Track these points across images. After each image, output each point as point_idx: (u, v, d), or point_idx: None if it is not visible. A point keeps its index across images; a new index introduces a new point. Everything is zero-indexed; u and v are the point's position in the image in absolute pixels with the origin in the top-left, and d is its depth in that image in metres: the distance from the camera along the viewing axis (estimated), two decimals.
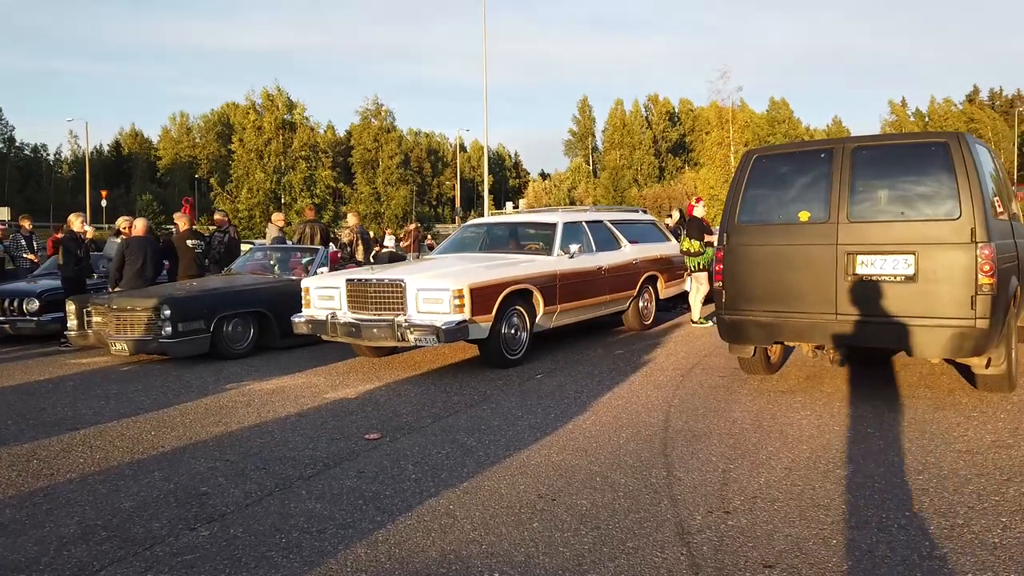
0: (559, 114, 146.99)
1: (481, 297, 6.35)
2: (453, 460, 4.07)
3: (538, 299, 7.06)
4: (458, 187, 65.40)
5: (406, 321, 6.29)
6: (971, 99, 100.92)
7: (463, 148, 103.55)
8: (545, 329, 7.37)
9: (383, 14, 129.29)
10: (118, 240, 9.60)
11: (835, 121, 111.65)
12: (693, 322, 9.37)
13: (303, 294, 7.16)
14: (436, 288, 6.32)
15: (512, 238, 8.28)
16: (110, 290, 8.79)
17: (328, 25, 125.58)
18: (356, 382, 6.32)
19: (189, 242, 9.17)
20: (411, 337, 6.25)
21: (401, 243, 19.85)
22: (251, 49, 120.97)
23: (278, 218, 12.04)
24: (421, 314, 6.36)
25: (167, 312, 7.22)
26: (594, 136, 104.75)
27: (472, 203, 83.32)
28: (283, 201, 34.79)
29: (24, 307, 9.08)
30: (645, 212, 10.31)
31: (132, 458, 4.28)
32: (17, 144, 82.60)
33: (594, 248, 8.13)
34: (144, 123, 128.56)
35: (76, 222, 8.85)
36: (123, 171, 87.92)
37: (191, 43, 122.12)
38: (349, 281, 6.76)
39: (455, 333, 6.14)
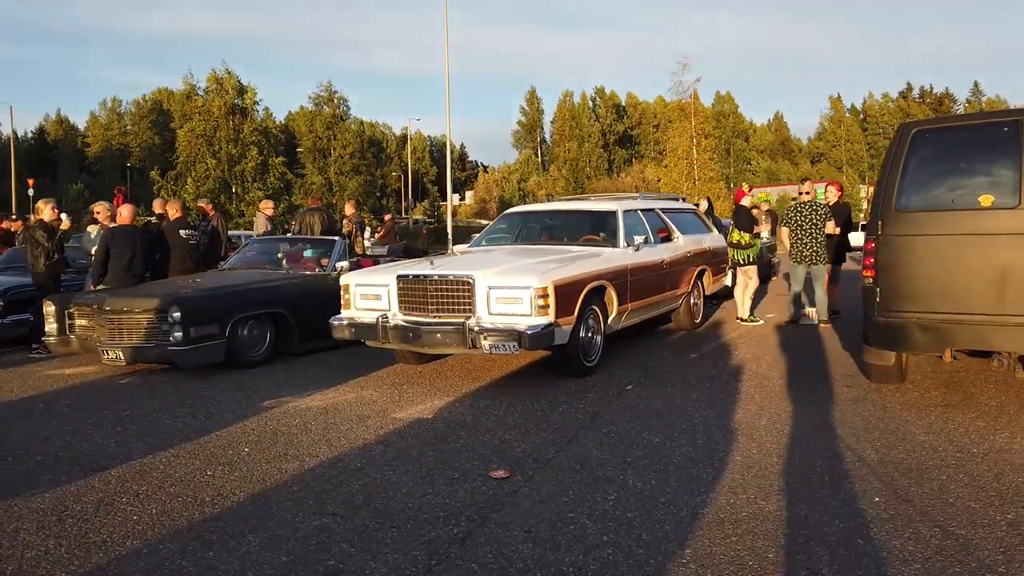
0: (503, 106, 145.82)
1: (564, 296, 5.50)
2: (634, 510, 3.22)
3: (611, 297, 6.26)
4: (410, 177, 63.88)
5: (478, 325, 5.39)
6: (904, 96, 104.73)
7: (407, 139, 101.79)
8: (612, 332, 6.56)
9: (324, 1, 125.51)
10: (91, 230, 8.33)
11: (776, 116, 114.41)
12: (741, 320, 8.73)
13: (343, 293, 6.15)
14: (514, 286, 5.42)
15: (565, 228, 7.43)
16: (92, 288, 7.54)
17: (261, 11, 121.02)
18: (419, 396, 5.39)
19: (182, 232, 7.97)
20: (485, 344, 5.35)
21: (376, 235, 18.73)
22: (178, 34, 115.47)
23: (266, 206, 10.86)
24: (493, 316, 5.46)
25: (177, 315, 6.10)
26: (542, 128, 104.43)
27: (418, 195, 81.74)
28: (234, 191, 32.85)
29: None
30: (684, 200, 9.61)
31: (201, 512, 3.28)
32: None
33: (652, 239, 7.37)
34: (69, 109, 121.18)
35: (47, 209, 7.56)
36: (47, 159, 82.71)
37: (117, 27, 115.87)
38: (402, 278, 5.79)
39: (540, 339, 5.27)
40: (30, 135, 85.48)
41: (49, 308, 6.85)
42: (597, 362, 6.09)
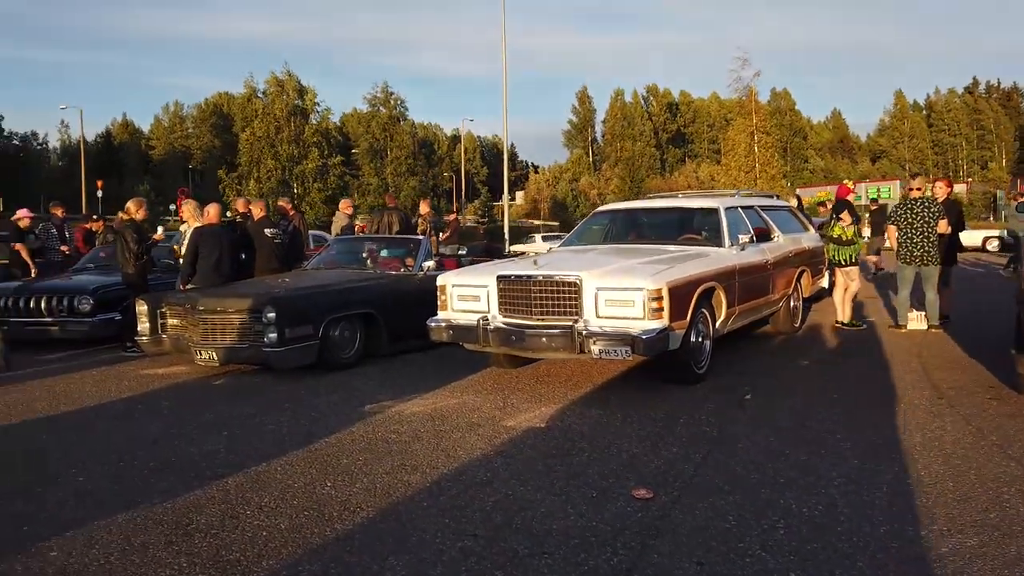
0: (553, 106, 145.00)
1: (677, 298, 5.16)
2: (811, 540, 2.88)
3: (720, 299, 5.89)
4: (463, 178, 64.06)
5: (586, 328, 5.09)
6: (970, 91, 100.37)
7: (458, 139, 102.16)
8: (716, 336, 6.18)
9: (372, 4, 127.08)
10: (183, 229, 8.32)
11: (834, 114, 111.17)
12: (841, 324, 8.22)
13: (439, 294, 5.94)
14: (625, 287, 5.11)
15: (662, 227, 7.07)
16: (181, 287, 7.52)
17: (310, 15, 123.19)
18: (524, 403, 5.12)
19: (268, 232, 7.89)
20: (594, 348, 5.05)
21: (440, 235, 18.64)
22: (231, 39, 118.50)
23: (346, 205, 10.78)
24: (602, 319, 5.16)
25: (271, 315, 5.98)
26: (594, 127, 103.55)
27: (469, 195, 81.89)
28: (295, 191, 33.32)
29: (76, 306, 7.80)
30: (778, 197, 9.14)
31: (332, 529, 3.07)
32: (5, 133, 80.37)
33: (754, 238, 6.96)
34: (134, 113, 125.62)
35: (135, 208, 7.56)
36: (114, 161, 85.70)
37: (180, 33, 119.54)
38: (503, 279, 5.54)
39: (655, 344, 4.94)
40: (97, 139, 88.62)
41: (141, 308, 6.83)
42: (706, 369, 5.73)
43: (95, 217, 12.35)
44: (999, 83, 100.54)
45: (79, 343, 8.00)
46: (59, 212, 11.13)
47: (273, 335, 5.99)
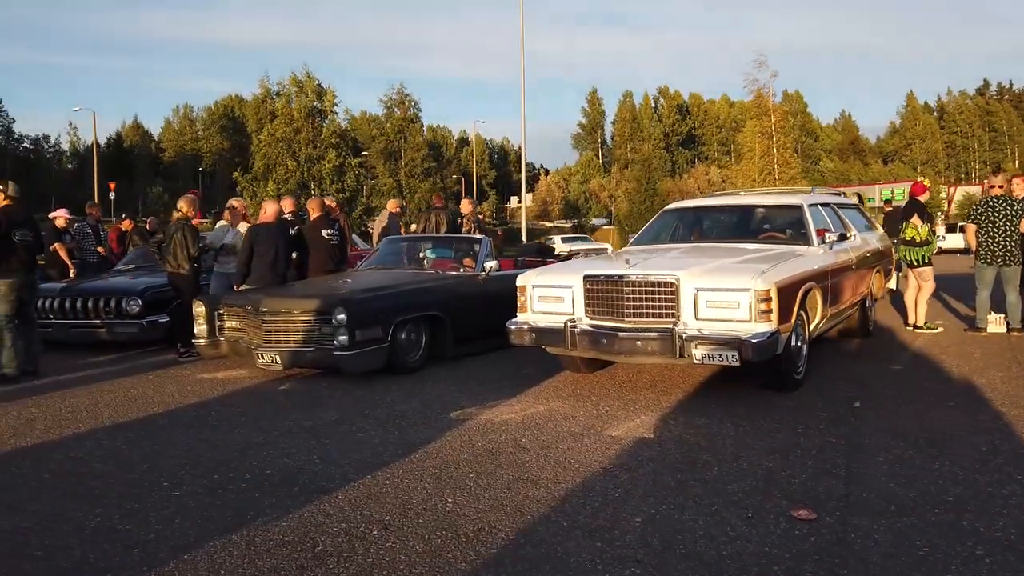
0: (560, 108, 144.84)
1: (784, 299, 4.86)
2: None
3: (816, 301, 5.59)
4: (474, 180, 63.85)
5: (686, 331, 4.80)
6: (981, 92, 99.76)
7: (466, 142, 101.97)
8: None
9: (380, 9, 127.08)
10: (219, 226, 8.05)
11: (843, 116, 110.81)
12: (915, 327, 7.91)
13: (519, 295, 5.65)
14: (730, 288, 4.81)
15: (741, 224, 6.78)
16: (236, 287, 7.26)
17: (318, 21, 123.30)
18: (619, 411, 4.83)
19: (324, 232, 7.62)
20: (696, 353, 4.76)
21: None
22: (241, 43, 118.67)
23: (393, 205, 10.51)
24: (701, 322, 4.86)
25: (342, 317, 5.70)
26: (603, 129, 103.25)
27: (478, 198, 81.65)
28: (313, 192, 33.11)
29: (124, 308, 7.55)
30: (844, 195, 8.83)
31: (475, 552, 2.78)
32: (16, 136, 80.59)
33: (844, 235, 6.66)
34: (144, 116, 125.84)
35: (187, 206, 7.29)
36: (125, 164, 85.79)
37: (187, 37, 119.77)
38: (591, 279, 5.24)
39: (765, 349, 4.64)
40: (108, 141, 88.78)
41: (199, 309, 6.57)
42: (803, 374, 5.43)
43: (123, 216, 12.13)
44: (1011, 85, 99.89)
45: (121, 346, 7.76)
46: (94, 212, 10.89)
47: (343, 338, 5.72)
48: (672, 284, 4.93)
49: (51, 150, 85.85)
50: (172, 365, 6.91)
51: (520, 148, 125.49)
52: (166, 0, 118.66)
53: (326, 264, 7.62)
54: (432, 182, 45.82)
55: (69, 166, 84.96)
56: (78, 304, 7.60)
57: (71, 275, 9.56)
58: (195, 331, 6.62)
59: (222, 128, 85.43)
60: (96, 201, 15.20)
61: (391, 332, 6.02)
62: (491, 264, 7.20)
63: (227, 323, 6.58)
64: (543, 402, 5.14)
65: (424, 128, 65.29)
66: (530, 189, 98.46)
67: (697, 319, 4.88)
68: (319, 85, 34.42)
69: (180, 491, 3.51)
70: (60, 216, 10.14)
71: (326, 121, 35.48)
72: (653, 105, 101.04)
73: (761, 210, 6.82)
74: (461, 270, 7.38)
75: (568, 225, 60.61)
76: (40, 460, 4.04)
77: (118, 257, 11.28)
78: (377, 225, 10.21)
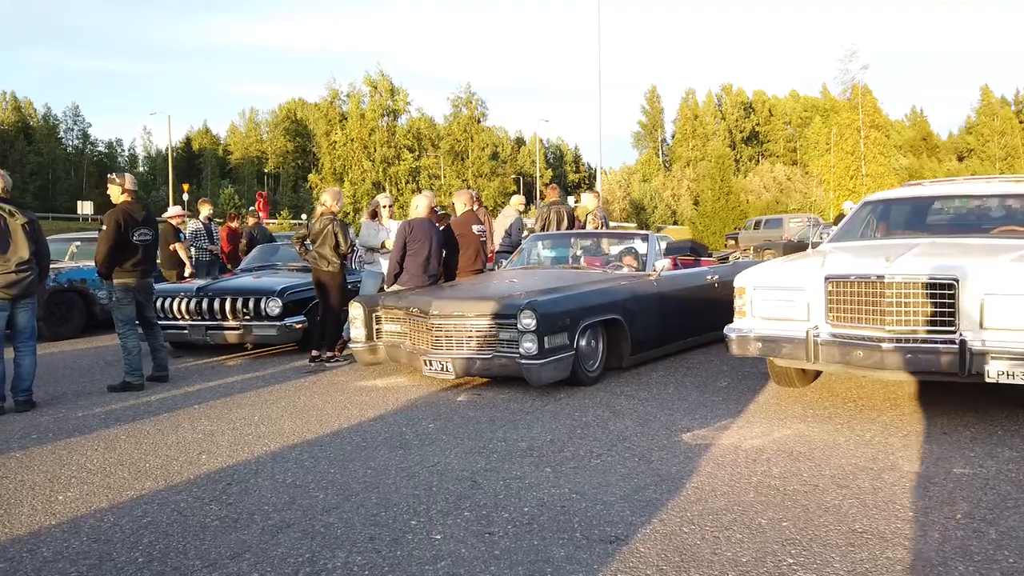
0: (617, 107, 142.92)
1: None
2: None
3: None
4: (538, 180, 63.27)
5: (983, 343, 3.99)
6: None
7: (522, 142, 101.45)
8: None
9: (432, 10, 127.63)
10: (366, 224, 7.54)
11: (914, 111, 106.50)
12: None
13: (736, 297, 4.93)
14: None
15: (973, 216, 5.89)
16: (386, 287, 6.74)
17: (368, 26, 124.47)
18: (894, 438, 4.05)
19: (475, 229, 7.03)
20: (993, 369, 3.95)
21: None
22: (303, 48, 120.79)
23: (518, 201, 9.91)
24: (990, 331, 4.04)
25: (530, 322, 5.06)
26: (663, 128, 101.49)
27: (531, 198, 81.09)
28: (387, 192, 33.09)
29: (262, 309, 7.10)
30: None
31: None
32: (92, 140, 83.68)
33: None
34: (211, 121, 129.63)
35: (332, 201, 6.79)
36: (193, 167, 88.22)
37: (251, 43, 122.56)
38: (838, 279, 4.47)
39: None
40: (179, 145, 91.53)
41: (357, 311, 6.04)
42: None
43: (247, 212, 11.86)
44: None
45: (234, 349, 7.36)
46: (207, 209, 10.60)
47: (530, 345, 5.08)
48: (951, 285, 4.13)
49: (128, 153, 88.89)
50: (320, 371, 6.42)
51: (575, 148, 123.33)
52: (230, 8, 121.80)
53: (475, 263, 7.03)
54: (500, 181, 45.39)
55: (141, 169, 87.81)
56: (215, 305, 7.19)
57: (188, 274, 9.28)
58: (351, 335, 6.10)
59: (286, 131, 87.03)
60: (170, 203, 15.07)
61: (576, 339, 5.37)
62: (663, 263, 6.49)
63: (385, 327, 6.05)
64: (783, 423, 4.40)
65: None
66: (585, 189, 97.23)
67: (983, 328, 4.06)
68: (392, 85, 34.29)
69: (439, 534, 2.90)
70: (177, 215, 9.86)
71: (400, 120, 35.36)
72: (717, 102, 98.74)
73: (1008, 201, 5.88)
74: (625, 269, 6.69)
75: (635, 225, 59.36)
76: (246, 488, 3.50)
77: (228, 256, 11.00)
78: (500, 224, 9.62)
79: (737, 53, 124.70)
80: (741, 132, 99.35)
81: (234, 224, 11.22)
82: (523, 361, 5.10)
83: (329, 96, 42.07)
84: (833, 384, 5.36)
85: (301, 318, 7.25)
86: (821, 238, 7.06)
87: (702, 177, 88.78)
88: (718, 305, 7.18)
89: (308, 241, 6.80)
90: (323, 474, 3.66)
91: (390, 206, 7.51)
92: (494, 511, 3.12)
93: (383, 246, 7.13)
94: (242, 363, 6.93)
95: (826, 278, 4.52)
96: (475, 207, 8.11)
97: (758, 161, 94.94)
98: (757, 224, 29.90)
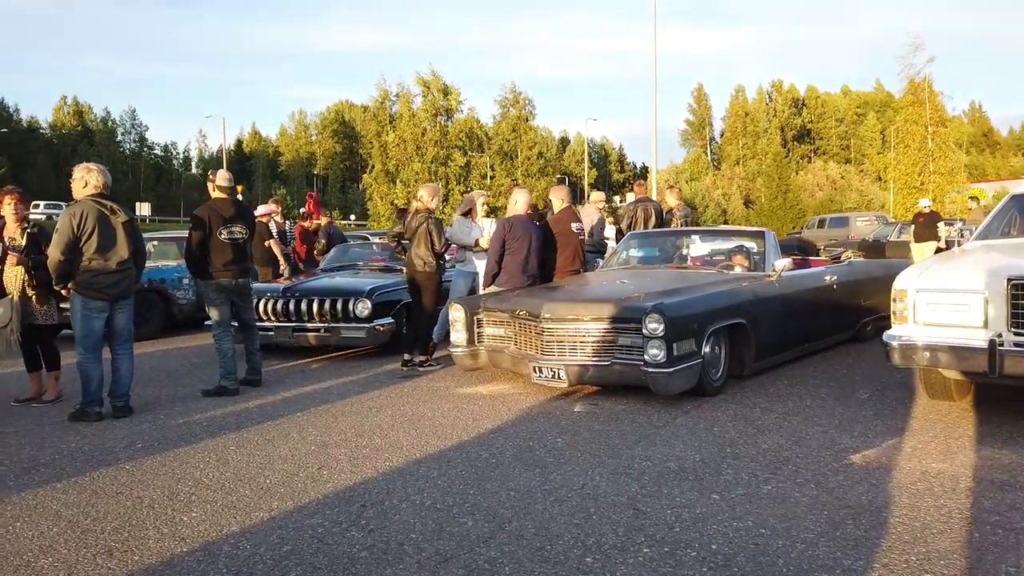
0: (661, 106, 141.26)
1: None
2: None
3: None
4: (586, 179, 62.72)
5: None
6: None
7: (567, 141, 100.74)
8: None
9: (473, 12, 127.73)
10: (456, 221, 7.19)
11: (973, 107, 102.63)
12: None
13: (895, 301, 4.41)
14: None
15: None
16: (483, 288, 6.40)
17: (411, 27, 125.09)
18: None
19: (573, 226, 6.63)
20: None
21: None
22: (350, 51, 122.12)
23: (598, 199, 9.50)
24: None
25: (657, 326, 4.64)
26: (711, 126, 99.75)
27: (577, 197, 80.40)
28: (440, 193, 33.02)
29: (351, 310, 6.82)
30: None
31: None
32: (148, 143, 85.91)
33: None
34: (261, 124, 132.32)
35: (429, 196, 6.45)
36: (245, 169, 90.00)
37: (300, 47, 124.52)
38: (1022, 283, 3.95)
39: None
40: (231, 147, 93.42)
41: (458, 314, 5.70)
42: None
43: (303, 212, 11.69)
44: None
45: (326, 351, 7.09)
46: (275, 208, 10.43)
47: (657, 352, 4.66)
48: None
49: (184, 156, 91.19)
50: (414, 376, 6.10)
51: (620, 147, 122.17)
52: (276, 13, 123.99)
53: (573, 263, 6.63)
54: (548, 180, 44.97)
55: (195, 171, 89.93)
56: (302, 306, 6.95)
57: (283, 274, 9.11)
58: (451, 339, 5.77)
59: (334, 133, 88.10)
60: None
61: (703, 345, 4.93)
62: (783, 263, 5.99)
63: (487, 330, 5.70)
64: (961, 444, 3.89)
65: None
66: (629, 188, 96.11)
67: None
68: (444, 84, 34.12)
69: None
70: (265, 213, 9.70)
71: (452, 119, 35.19)
72: (767, 99, 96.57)
73: None
74: (737, 269, 6.21)
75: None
76: (384, 511, 3.17)
77: (301, 256, 10.82)
78: (586, 222, 9.19)
79: (786, 49, 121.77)
80: (792, 129, 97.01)
81: (307, 224, 11.03)
82: (650, 369, 4.67)
83: (379, 96, 42.19)
84: (994, 398, 4.80)
85: (389, 320, 6.96)
86: (963, 236, 6.44)
87: (753, 175, 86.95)
88: (838, 308, 6.69)
89: (405, 239, 6.49)
90: (462, 496, 3.31)
91: (481, 201, 7.15)
92: (677, 548, 2.72)
93: (477, 244, 6.79)
94: (331, 367, 6.66)
95: (1010, 280, 3.99)
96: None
97: (809, 159, 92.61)
98: (821, 223, 28.82)
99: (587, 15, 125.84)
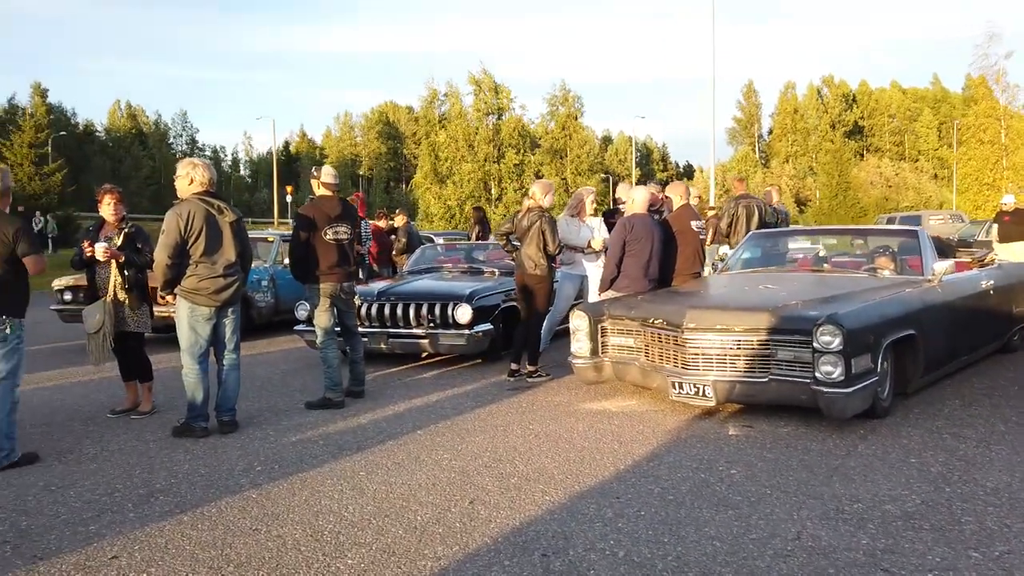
0: (707, 103, 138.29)
1: None
2: None
3: None
4: (634, 177, 61.86)
5: None
6: None
7: (610, 140, 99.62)
8: None
9: (530, 9, 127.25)
10: (568, 221, 6.67)
11: None
12: None
13: None
14: None
15: None
16: (598, 294, 5.88)
17: (460, 28, 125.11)
18: None
19: (693, 225, 6.07)
20: None
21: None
22: (395, 52, 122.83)
23: (691, 195, 8.87)
24: None
25: (832, 339, 4.05)
26: (760, 123, 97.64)
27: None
28: (492, 192, 32.51)
29: (451, 315, 6.37)
30: None
31: None
32: (199, 146, 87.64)
33: None
34: (308, 126, 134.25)
35: (542, 193, 5.94)
36: (292, 170, 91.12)
37: (345, 49, 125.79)
38: None
39: None
40: (279, 150, 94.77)
41: (581, 322, 5.18)
42: None
43: (382, 212, 11.35)
44: None
45: (419, 357, 6.66)
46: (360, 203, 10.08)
47: (832, 368, 4.07)
48: None
49: (228, 159, 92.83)
50: (523, 388, 5.61)
51: (663, 146, 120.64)
52: (318, 16, 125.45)
53: (693, 265, 6.07)
54: (599, 179, 44.40)
55: (243, 173, 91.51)
56: (398, 310, 6.52)
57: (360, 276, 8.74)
58: (573, 349, 5.26)
59: (379, 134, 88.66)
60: (275, 205, 14.84)
61: (879, 360, 4.32)
62: (943, 266, 5.32)
63: (612, 340, 5.17)
64: None
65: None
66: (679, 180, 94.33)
67: None
68: (495, 83, 33.75)
69: None
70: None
71: (504, 117, 34.78)
72: (818, 95, 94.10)
73: None
74: (886, 273, 5.58)
75: None
76: (571, 563, 2.67)
77: (375, 257, 10.46)
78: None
79: (836, 44, 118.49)
80: (844, 126, 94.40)
81: (381, 223, 10.66)
82: (824, 389, 4.09)
83: (428, 96, 42.01)
84: None
85: (488, 326, 6.49)
86: None
87: (803, 173, 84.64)
88: (994, 316, 6.00)
89: (515, 239, 6.01)
90: (656, 544, 2.79)
91: (589, 199, 6.61)
92: None
93: (589, 246, 6.27)
94: (430, 376, 6.20)
95: None
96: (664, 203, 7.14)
97: (862, 155, 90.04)
98: (891, 222, 27.58)
99: (625, 11, 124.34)
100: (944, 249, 7.07)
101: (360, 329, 6.54)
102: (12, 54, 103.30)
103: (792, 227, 7.67)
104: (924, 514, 3.02)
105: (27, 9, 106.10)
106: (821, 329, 4.10)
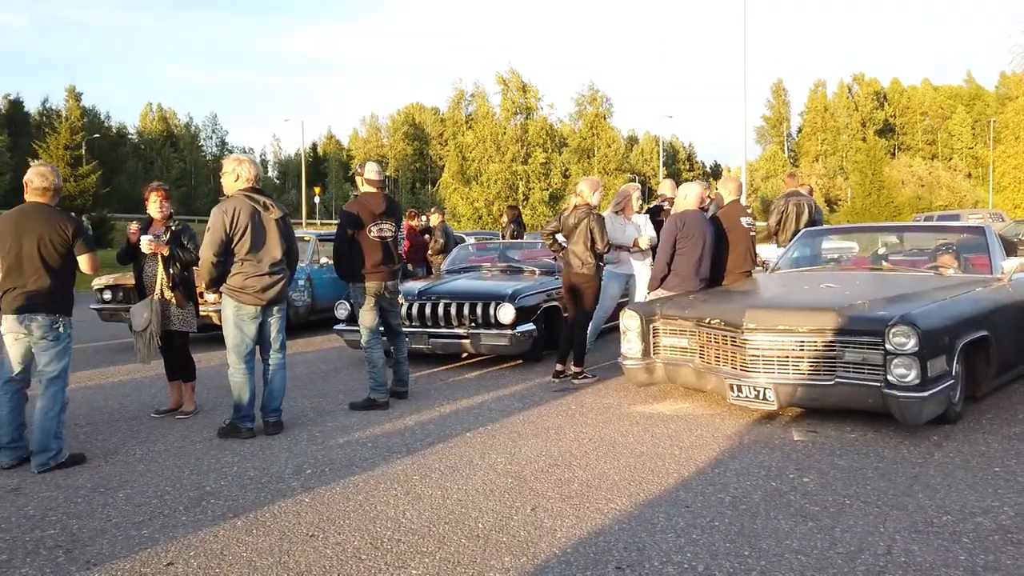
0: (736, 102, 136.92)
1: None
2: None
3: None
4: (661, 175, 61.26)
5: None
6: None
7: (635, 140, 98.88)
8: None
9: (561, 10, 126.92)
10: (608, 217, 6.50)
11: None
12: None
13: None
14: None
15: None
16: (648, 293, 5.71)
17: (488, 31, 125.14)
18: None
19: (743, 222, 5.87)
20: None
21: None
22: (418, 54, 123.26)
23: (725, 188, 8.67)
24: None
25: (905, 340, 3.84)
26: (789, 122, 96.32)
27: (645, 196, 78.79)
28: (520, 192, 32.34)
29: (494, 315, 6.24)
30: None
31: None
32: (229, 147, 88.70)
33: None
34: (335, 128, 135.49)
35: (590, 191, 5.77)
36: (319, 171, 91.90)
37: (370, 52, 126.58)
38: None
39: None
40: (306, 151, 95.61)
41: (633, 322, 5.02)
42: None
43: (414, 211, 11.27)
44: None
45: (459, 357, 6.54)
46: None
47: (907, 371, 3.86)
48: None
49: (256, 160, 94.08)
50: (569, 390, 5.46)
51: (689, 146, 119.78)
52: (345, 19, 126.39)
53: (745, 263, 5.87)
54: (627, 178, 44.09)
55: (272, 174, 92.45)
56: (439, 310, 6.41)
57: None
58: (624, 350, 5.09)
59: (405, 135, 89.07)
60: (304, 205, 14.81)
61: (954, 363, 4.10)
62: (1012, 264, 5.07)
63: (664, 340, 5.00)
64: None
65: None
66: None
67: None
68: (523, 82, 33.62)
69: None
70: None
71: (531, 117, 34.63)
72: (848, 93, 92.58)
73: None
74: (950, 271, 5.33)
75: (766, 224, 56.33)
76: None
77: (410, 256, 10.36)
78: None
79: (865, 42, 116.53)
80: (875, 124, 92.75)
81: (414, 222, 10.57)
82: (898, 393, 3.88)
83: (455, 96, 41.97)
84: None
85: (531, 326, 6.35)
86: None
87: (833, 172, 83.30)
88: None
89: (561, 237, 5.86)
90: (737, 558, 2.62)
91: (634, 195, 6.44)
92: None
93: (636, 244, 6.10)
94: (473, 377, 6.08)
95: None
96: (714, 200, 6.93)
97: (893, 154, 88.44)
98: (928, 220, 26.95)
99: (650, 11, 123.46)
100: (1007, 247, 6.77)
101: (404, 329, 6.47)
102: (48, 57, 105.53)
103: (848, 224, 7.39)
104: (1022, 527, 2.82)
105: (63, 14, 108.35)
106: (894, 330, 3.89)
